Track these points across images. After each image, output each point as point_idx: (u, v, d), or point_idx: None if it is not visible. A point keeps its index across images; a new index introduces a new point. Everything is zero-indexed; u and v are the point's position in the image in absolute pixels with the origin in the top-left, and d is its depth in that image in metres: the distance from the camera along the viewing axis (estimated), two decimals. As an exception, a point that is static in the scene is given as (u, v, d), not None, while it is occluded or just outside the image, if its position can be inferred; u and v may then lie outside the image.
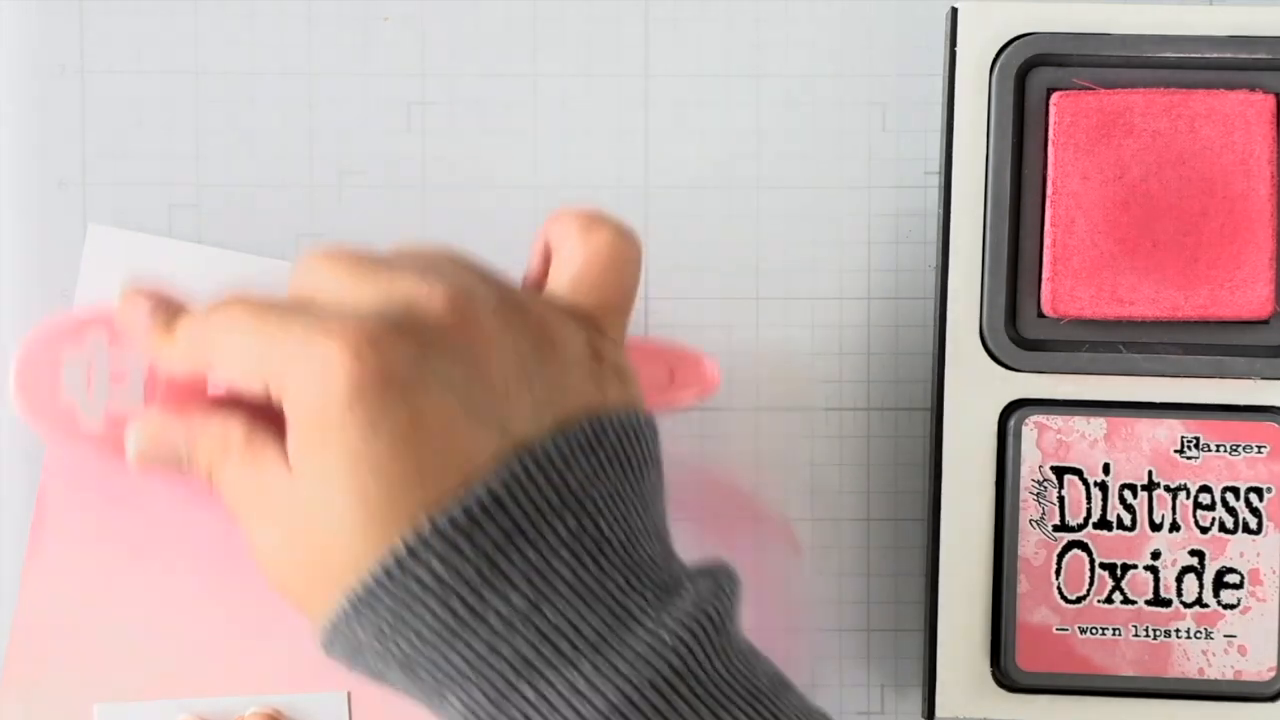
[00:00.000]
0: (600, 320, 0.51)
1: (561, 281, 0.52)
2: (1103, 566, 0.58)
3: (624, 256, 0.52)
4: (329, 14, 0.60)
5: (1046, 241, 0.58)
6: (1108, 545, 0.58)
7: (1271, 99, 0.58)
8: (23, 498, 0.59)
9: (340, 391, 0.47)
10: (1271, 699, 0.59)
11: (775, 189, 0.61)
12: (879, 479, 0.61)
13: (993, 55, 0.58)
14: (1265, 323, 0.58)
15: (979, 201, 0.58)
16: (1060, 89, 0.58)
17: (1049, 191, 0.58)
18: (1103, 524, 0.58)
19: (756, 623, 0.55)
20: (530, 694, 0.47)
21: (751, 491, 0.61)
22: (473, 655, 0.47)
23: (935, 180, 0.60)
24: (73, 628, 0.59)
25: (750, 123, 0.61)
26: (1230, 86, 0.58)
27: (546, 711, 0.47)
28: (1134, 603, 0.59)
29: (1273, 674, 0.58)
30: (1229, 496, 0.58)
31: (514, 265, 0.60)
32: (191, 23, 0.60)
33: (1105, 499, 0.58)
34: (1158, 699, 0.59)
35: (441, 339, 0.48)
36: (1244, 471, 0.58)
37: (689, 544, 0.54)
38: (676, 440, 0.60)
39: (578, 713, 0.46)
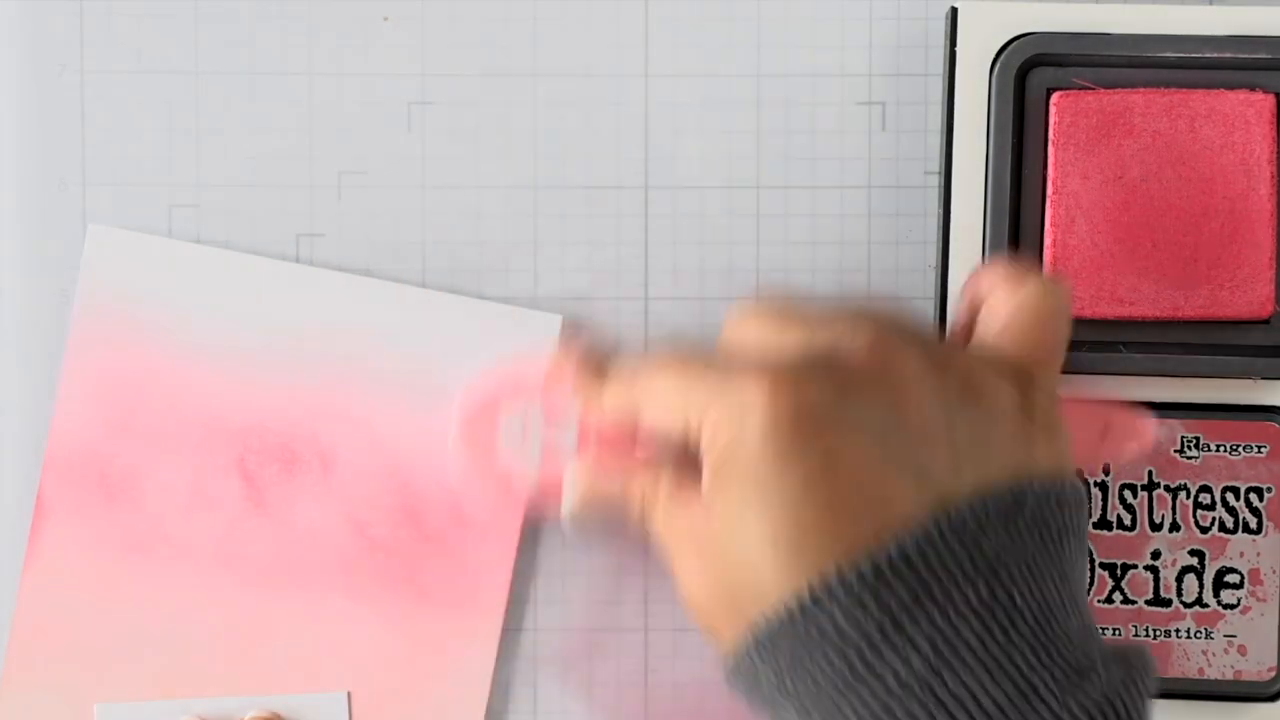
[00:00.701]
0: (1030, 372, 0.50)
1: (990, 332, 0.51)
2: (1103, 566, 0.58)
3: (1055, 306, 0.51)
4: (329, 14, 0.60)
5: (1046, 241, 0.58)
6: (1108, 545, 0.58)
7: (1271, 99, 0.58)
8: (23, 498, 0.59)
9: (755, 428, 0.47)
10: (1271, 699, 0.59)
11: (775, 189, 0.61)
12: (879, 479, 0.61)
13: (993, 55, 0.58)
14: (1265, 323, 0.58)
15: (979, 201, 0.58)
16: (1060, 89, 0.58)
17: (1049, 191, 0.58)
18: (1103, 524, 0.58)
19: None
20: None
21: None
22: (866, 712, 0.46)
23: (935, 180, 0.60)
24: (73, 628, 0.59)
25: (750, 123, 0.60)
26: (1230, 86, 0.58)
27: None
28: (1134, 603, 0.59)
29: (1273, 674, 0.58)
30: (1229, 496, 0.58)
31: (513, 266, 0.60)
32: (191, 23, 0.60)
33: (1105, 499, 0.58)
34: (1157, 699, 0.59)
35: (861, 383, 0.47)
36: (1244, 471, 0.58)
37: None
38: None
39: None
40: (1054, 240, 0.58)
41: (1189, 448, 0.58)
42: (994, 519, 0.47)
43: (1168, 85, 0.58)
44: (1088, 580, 0.49)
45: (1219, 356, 0.58)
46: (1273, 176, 0.58)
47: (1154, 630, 0.58)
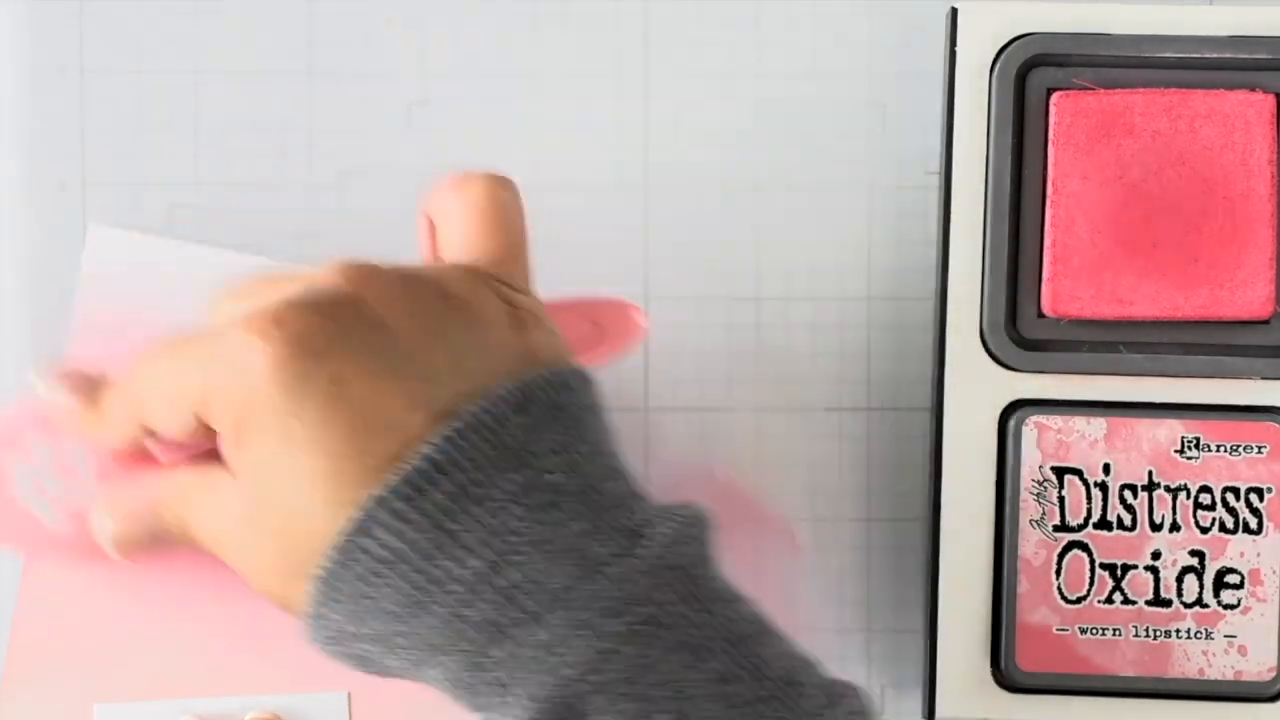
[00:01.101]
0: (501, 271, 0.50)
1: (450, 244, 0.51)
2: (1103, 567, 0.58)
3: (502, 201, 0.51)
4: (329, 14, 0.60)
5: (1046, 241, 0.58)
6: (1108, 545, 0.58)
7: (1271, 99, 0.58)
8: (23, 498, 0.60)
9: (259, 373, 0.46)
10: (1271, 699, 0.59)
11: (775, 189, 0.61)
12: (879, 479, 0.61)
13: (993, 55, 0.58)
14: (1265, 323, 0.58)
15: (979, 201, 0.58)
16: (1060, 89, 0.58)
17: (1049, 191, 0.58)
18: (1103, 524, 0.58)
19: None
20: (502, 656, 0.45)
21: (751, 491, 0.61)
22: (440, 625, 0.46)
23: (935, 180, 0.60)
24: (73, 628, 0.59)
25: (750, 123, 0.61)
26: (1230, 86, 0.58)
27: (522, 671, 0.45)
28: (1134, 603, 0.58)
29: (1273, 674, 0.58)
30: (1229, 497, 0.58)
31: (514, 265, 0.60)
32: (191, 23, 0.60)
33: (1105, 499, 0.58)
34: (1158, 699, 0.59)
35: (346, 308, 0.47)
36: (1244, 472, 0.58)
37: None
38: (677, 440, 0.60)
39: (551, 668, 0.45)
40: (1054, 240, 0.58)
41: (1189, 448, 0.58)
42: (508, 412, 0.47)
43: (1168, 85, 0.58)
44: (621, 455, 0.49)
45: (1219, 356, 0.58)
46: (1273, 176, 0.58)
47: (1154, 630, 0.58)
